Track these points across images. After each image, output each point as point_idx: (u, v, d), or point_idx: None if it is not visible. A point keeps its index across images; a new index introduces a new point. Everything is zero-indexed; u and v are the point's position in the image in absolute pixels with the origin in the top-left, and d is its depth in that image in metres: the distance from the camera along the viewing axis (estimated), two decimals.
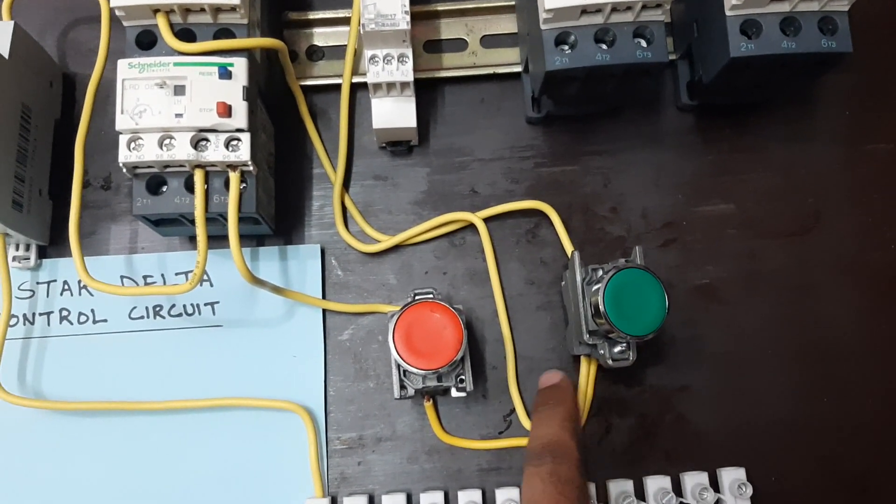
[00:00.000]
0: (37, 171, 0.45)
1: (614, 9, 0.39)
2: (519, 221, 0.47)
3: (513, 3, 0.48)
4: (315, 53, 0.49)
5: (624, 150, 0.48)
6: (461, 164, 0.48)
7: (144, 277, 0.46)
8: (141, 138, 0.38)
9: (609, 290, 0.39)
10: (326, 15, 0.48)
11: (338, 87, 0.47)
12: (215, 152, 0.39)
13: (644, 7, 0.39)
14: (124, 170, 0.39)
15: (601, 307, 0.39)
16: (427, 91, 0.49)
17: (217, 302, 0.46)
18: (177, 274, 0.46)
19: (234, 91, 0.38)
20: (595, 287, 0.40)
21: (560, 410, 0.39)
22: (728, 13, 0.39)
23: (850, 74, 0.48)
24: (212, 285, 0.46)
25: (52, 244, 0.46)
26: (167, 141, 0.38)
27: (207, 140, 0.39)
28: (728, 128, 0.48)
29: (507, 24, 0.49)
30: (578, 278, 0.41)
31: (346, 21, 0.48)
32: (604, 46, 0.40)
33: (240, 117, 0.38)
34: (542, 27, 0.39)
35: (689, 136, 0.48)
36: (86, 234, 0.46)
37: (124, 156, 0.38)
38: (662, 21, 0.39)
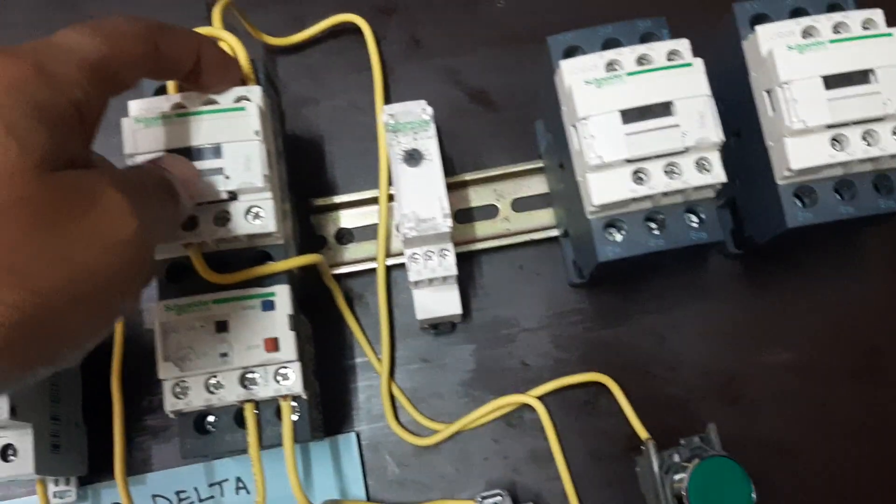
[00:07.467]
0: (70, 405, 0.43)
1: (664, 194, 0.37)
2: (576, 393, 0.45)
3: (540, 165, 0.47)
4: (344, 237, 0.47)
5: (674, 306, 0.46)
6: (508, 337, 0.46)
7: (196, 490, 0.44)
8: (186, 382, 0.36)
9: (693, 483, 0.37)
10: (352, 198, 0.47)
11: (371, 270, 0.46)
12: (265, 388, 0.37)
13: (694, 188, 0.37)
14: (170, 415, 0.37)
15: (685, 501, 0.37)
16: (463, 263, 0.47)
17: None
18: (212, 485, 0.44)
19: (279, 322, 0.37)
20: (678, 476, 0.38)
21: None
22: (780, 182, 0.38)
23: None
24: (248, 492, 0.44)
25: (92, 470, 0.44)
26: (213, 381, 0.37)
27: (255, 373, 0.37)
28: (778, 271, 0.47)
29: (537, 186, 0.47)
30: (655, 468, 0.39)
31: (373, 201, 0.47)
32: (654, 228, 0.38)
33: (288, 349, 0.37)
34: (590, 217, 0.38)
35: (738, 284, 0.47)
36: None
37: (171, 404, 0.36)
38: (713, 198, 0.38)
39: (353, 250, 0.47)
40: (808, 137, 0.37)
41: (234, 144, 0.36)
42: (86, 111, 0.28)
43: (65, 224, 0.25)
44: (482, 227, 0.47)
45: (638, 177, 0.37)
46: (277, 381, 0.37)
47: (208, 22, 0.48)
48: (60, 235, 0.24)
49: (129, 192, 0.27)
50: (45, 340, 0.25)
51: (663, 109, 0.37)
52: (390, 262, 0.46)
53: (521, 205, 0.47)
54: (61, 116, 0.26)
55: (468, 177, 0.47)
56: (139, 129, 0.36)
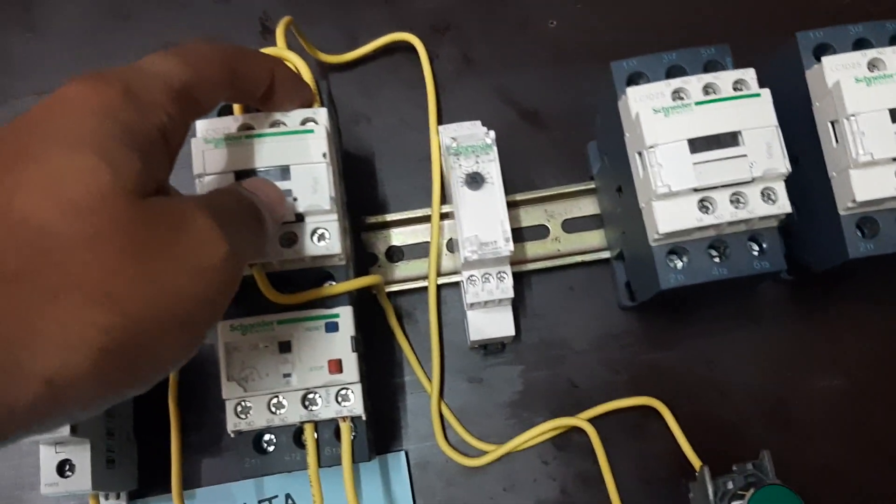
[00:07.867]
0: (123, 419, 0.43)
1: (729, 223, 0.37)
2: (625, 416, 0.45)
3: (592, 186, 0.47)
4: (395, 255, 0.47)
5: (724, 330, 0.46)
6: (557, 358, 0.46)
7: None
8: (248, 402, 0.37)
9: None
10: (404, 216, 0.47)
11: (421, 288, 0.46)
12: (327, 409, 0.37)
13: (759, 218, 0.37)
14: (231, 434, 0.37)
15: None
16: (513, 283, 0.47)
17: None
18: (261, 501, 0.44)
19: (342, 343, 0.37)
20: None
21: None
22: (842, 213, 0.38)
23: None
24: None
25: (141, 484, 0.44)
26: (276, 401, 0.37)
27: (316, 393, 0.37)
28: (828, 296, 0.47)
29: (589, 207, 0.47)
30: (711, 495, 0.39)
31: (424, 219, 0.47)
32: (715, 256, 0.38)
33: (351, 371, 0.37)
34: (653, 245, 0.38)
35: (789, 308, 0.47)
36: None
37: (233, 423, 0.36)
38: (776, 227, 0.38)
39: (403, 268, 0.47)
40: (874, 169, 0.37)
41: (302, 167, 0.36)
42: (170, 135, 0.28)
43: (157, 249, 0.25)
44: (532, 248, 0.47)
45: (704, 205, 0.37)
46: (338, 402, 0.37)
47: (263, 39, 0.48)
48: (152, 260, 0.24)
49: (217, 216, 0.27)
50: (134, 363, 0.25)
51: (731, 139, 0.37)
52: (441, 280, 0.46)
53: (571, 226, 0.48)
54: (149, 141, 0.26)
55: (519, 197, 0.47)
56: (208, 149, 0.36)
